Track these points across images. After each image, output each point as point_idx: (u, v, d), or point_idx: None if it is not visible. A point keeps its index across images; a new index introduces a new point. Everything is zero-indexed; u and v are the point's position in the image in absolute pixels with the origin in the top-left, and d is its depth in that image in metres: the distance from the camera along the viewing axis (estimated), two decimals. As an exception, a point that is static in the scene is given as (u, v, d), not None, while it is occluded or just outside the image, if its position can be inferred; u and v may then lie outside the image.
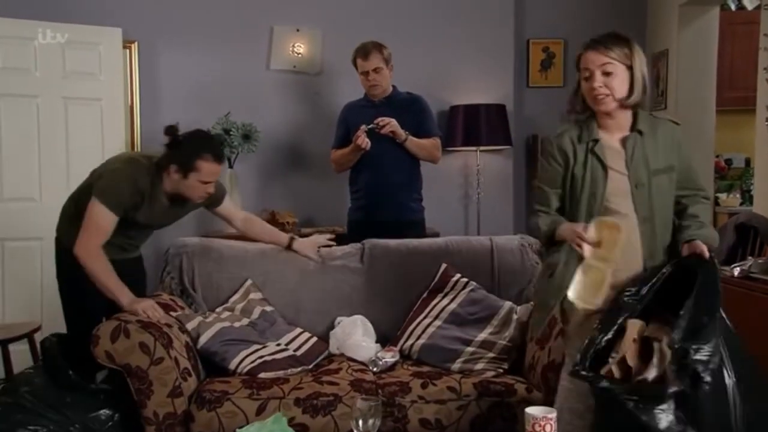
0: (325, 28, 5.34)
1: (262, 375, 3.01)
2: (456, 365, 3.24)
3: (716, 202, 5.34)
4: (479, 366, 3.22)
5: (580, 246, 2.54)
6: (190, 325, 3.14)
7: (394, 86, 4.50)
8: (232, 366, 3.06)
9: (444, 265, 3.68)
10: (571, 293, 2.56)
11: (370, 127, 4.25)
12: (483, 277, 3.68)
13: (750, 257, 3.46)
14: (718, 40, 5.14)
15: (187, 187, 3.18)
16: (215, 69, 5.29)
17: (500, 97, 5.41)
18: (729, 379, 2.31)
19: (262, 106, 5.30)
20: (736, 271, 3.37)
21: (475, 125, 5.18)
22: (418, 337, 3.40)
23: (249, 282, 3.52)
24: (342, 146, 4.47)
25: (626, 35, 2.67)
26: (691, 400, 2.22)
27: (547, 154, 2.77)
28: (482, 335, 3.39)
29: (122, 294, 3.08)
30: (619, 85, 2.61)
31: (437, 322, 3.46)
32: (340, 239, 4.37)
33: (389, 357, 3.25)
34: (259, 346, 3.15)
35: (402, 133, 4.28)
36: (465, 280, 3.63)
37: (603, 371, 2.41)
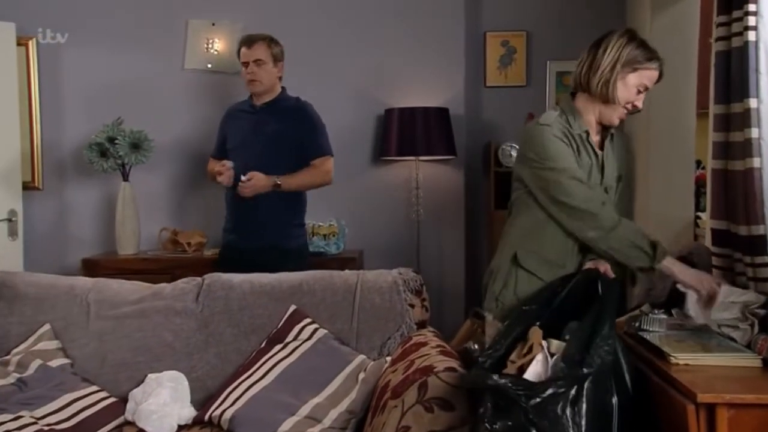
0: (247, 22, 4.71)
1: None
2: (270, 442, 2.55)
3: (696, 224, 4.46)
4: (298, 444, 2.53)
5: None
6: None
7: (283, 88, 3.94)
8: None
9: (292, 308, 3.00)
10: None
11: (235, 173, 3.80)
12: (341, 323, 3.00)
13: (640, 309, 2.67)
14: (700, 28, 4.26)
15: None
16: (126, 69, 4.77)
17: (450, 99, 4.71)
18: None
19: (176, 110, 4.78)
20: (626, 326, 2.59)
21: (411, 132, 4.47)
22: (234, 402, 2.72)
23: (45, 327, 2.91)
24: (219, 155, 4.01)
25: None
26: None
27: (552, 137, 2.59)
28: (315, 400, 2.71)
29: None
30: None
31: (264, 382, 2.79)
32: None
33: None
34: (9, 416, 2.50)
35: (267, 184, 3.74)
36: (314, 326, 2.96)
37: None
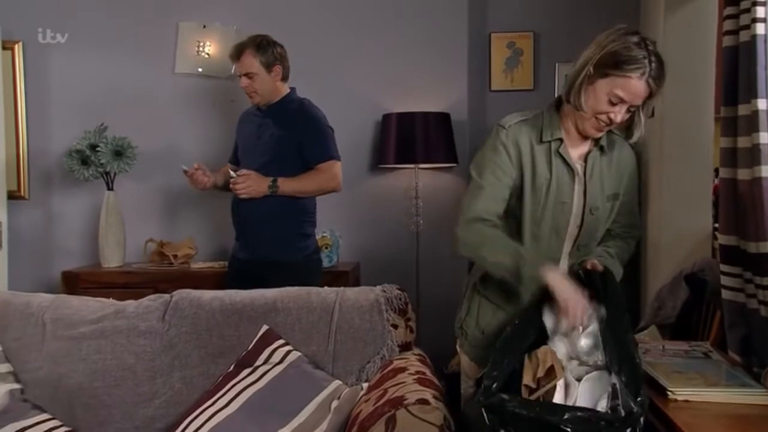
0: (239, 24, 4.51)
1: None
2: (229, 478, 2.32)
3: (714, 236, 4.17)
4: (258, 481, 2.30)
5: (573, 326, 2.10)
6: None
7: (292, 89, 3.71)
8: None
9: (264, 328, 2.77)
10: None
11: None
12: (317, 345, 2.77)
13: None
14: (718, 26, 3.97)
15: None
16: (115, 74, 4.59)
17: (452, 103, 4.46)
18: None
19: (165, 116, 4.57)
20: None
21: (410, 138, 4.23)
22: (194, 433, 2.49)
23: (-4, 349, 2.70)
24: (234, 160, 3.85)
25: None
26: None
27: (497, 142, 2.28)
28: (283, 431, 2.46)
29: None
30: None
31: (229, 410, 2.56)
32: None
33: None
34: (-56, 448, 2.30)
35: (262, 184, 3.52)
36: (287, 349, 2.72)
37: None
